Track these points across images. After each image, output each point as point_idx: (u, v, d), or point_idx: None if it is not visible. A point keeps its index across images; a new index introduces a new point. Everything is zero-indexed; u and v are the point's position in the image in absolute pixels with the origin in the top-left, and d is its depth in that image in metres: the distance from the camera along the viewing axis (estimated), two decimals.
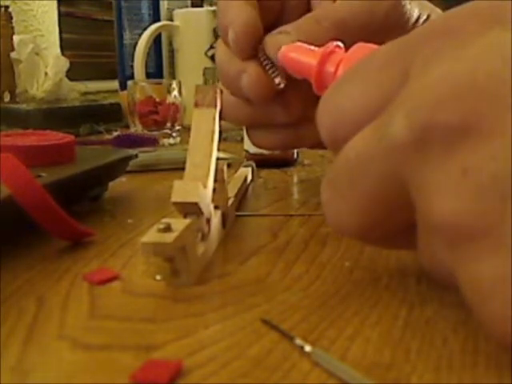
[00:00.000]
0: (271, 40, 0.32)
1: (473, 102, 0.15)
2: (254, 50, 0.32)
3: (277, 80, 0.32)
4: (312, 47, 0.29)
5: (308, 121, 0.35)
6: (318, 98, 0.28)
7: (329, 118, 0.21)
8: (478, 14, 0.18)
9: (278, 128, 0.35)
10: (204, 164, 0.28)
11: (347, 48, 0.27)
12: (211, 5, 0.86)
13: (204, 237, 0.28)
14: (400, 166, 0.17)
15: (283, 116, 0.34)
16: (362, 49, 0.25)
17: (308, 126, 0.35)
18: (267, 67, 0.32)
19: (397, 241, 0.21)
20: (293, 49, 0.30)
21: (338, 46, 0.27)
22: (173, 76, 0.86)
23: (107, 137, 0.67)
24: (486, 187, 0.15)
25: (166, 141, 0.66)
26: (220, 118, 0.32)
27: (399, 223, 0.19)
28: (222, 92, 0.33)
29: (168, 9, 0.92)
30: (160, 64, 0.93)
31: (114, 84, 0.92)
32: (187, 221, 0.25)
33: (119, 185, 0.43)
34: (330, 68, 0.27)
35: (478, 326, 0.20)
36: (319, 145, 0.36)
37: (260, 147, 0.38)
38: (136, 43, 0.78)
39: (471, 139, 0.15)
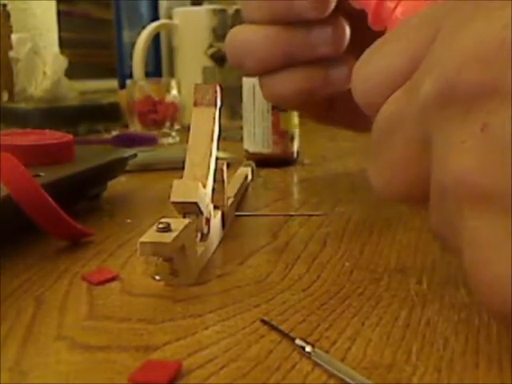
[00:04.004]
0: None
1: (499, 64, 0.16)
2: None
3: None
4: None
5: (338, 61, 0.34)
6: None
7: (363, 81, 0.21)
8: None
9: (305, 67, 0.33)
10: (203, 163, 0.28)
11: None
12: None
13: (203, 237, 0.28)
14: (427, 125, 0.17)
15: (329, 43, 0.33)
16: None
17: (337, 67, 0.34)
18: None
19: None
20: None
21: None
22: (172, 75, 0.85)
23: (106, 136, 0.67)
24: (505, 148, 0.15)
25: (165, 140, 0.66)
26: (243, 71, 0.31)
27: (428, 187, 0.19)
28: (220, 89, 0.32)
29: (167, 7, 0.92)
30: (159, 63, 0.93)
31: (113, 83, 0.92)
32: (186, 221, 0.25)
33: (118, 184, 0.43)
34: (390, 4, 0.26)
35: (479, 326, 0.20)
36: (342, 95, 0.35)
37: (279, 97, 0.35)
38: (135, 42, 0.78)
39: (494, 99, 0.15)
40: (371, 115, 0.20)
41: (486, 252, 0.16)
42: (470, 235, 0.16)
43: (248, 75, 0.38)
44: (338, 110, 0.38)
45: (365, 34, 0.31)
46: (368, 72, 0.21)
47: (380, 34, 0.24)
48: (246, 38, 0.33)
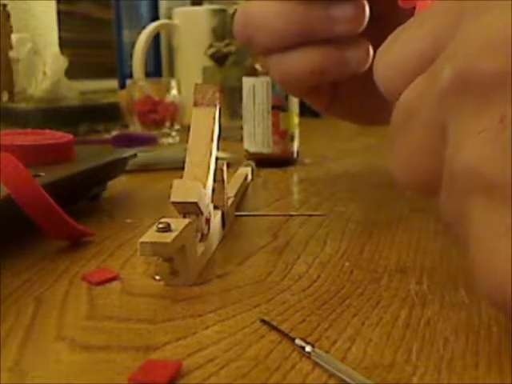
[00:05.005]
0: None
1: None
2: None
3: None
4: None
5: (353, 42, 0.33)
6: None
7: (385, 68, 0.21)
8: None
9: (320, 45, 0.32)
10: (203, 163, 0.28)
11: None
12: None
13: (203, 237, 0.28)
14: (444, 111, 0.17)
15: (348, 21, 0.31)
16: None
17: (352, 49, 0.32)
18: None
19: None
20: None
21: None
22: (172, 75, 0.85)
23: (106, 136, 0.67)
24: None
25: (165, 140, 0.66)
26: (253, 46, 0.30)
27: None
28: (220, 92, 0.32)
29: (167, 7, 0.92)
30: (159, 63, 0.93)
31: (113, 83, 0.92)
32: (186, 221, 0.25)
33: (118, 184, 0.43)
34: None
35: (479, 326, 0.20)
36: (357, 80, 0.34)
37: (289, 76, 0.33)
38: (135, 42, 0.78)
39: (510, 89, 0.15)
40: (393, 102, 0.20)
41: (488, 246, 0.16)
42: (476, 228, 0.16)
43: (256, 51, 0.35)
44: (342, 101, 0.37)
45: (383, 16, 0.31)
46: (390, 58, 0.21)
47: (399, 17, 0.24)
48: (258, 10, 0.31)
